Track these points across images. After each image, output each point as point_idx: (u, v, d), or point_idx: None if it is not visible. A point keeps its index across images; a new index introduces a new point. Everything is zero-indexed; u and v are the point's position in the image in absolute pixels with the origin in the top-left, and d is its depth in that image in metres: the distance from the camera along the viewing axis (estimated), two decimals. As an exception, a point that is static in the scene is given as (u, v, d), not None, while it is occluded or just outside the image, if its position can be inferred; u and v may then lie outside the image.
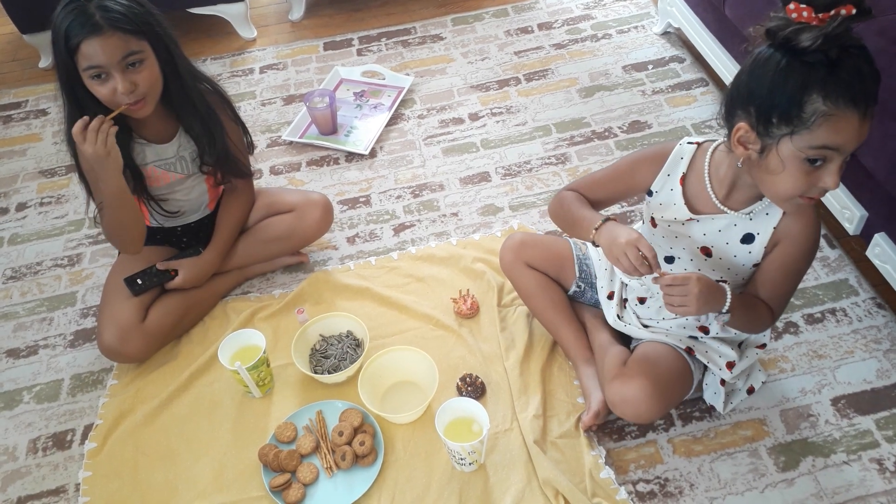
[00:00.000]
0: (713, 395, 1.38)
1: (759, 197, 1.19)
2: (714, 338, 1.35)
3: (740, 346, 1.37)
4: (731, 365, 1.32)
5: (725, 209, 1.21)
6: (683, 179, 1.25)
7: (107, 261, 1.83)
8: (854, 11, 0.94)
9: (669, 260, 1.32)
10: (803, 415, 1.40)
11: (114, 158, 1.37)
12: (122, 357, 1.55)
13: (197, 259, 1.62)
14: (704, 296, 1.13)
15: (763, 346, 1.38)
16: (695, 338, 1.36)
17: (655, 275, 1.16)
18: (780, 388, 1.45)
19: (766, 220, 1.20)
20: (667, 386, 1.29)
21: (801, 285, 1.60)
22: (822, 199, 1.65)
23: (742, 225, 1.21)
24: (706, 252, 1.26)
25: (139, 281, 1.57)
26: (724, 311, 1.17)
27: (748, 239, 1.22)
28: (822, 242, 1.69)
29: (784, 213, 1.18)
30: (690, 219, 1.25)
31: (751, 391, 1.41)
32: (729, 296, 1.16)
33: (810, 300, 1.59)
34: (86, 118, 1.34)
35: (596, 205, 1.36)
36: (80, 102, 1.40)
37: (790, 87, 1.00)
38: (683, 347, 1.34)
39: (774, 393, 1.44)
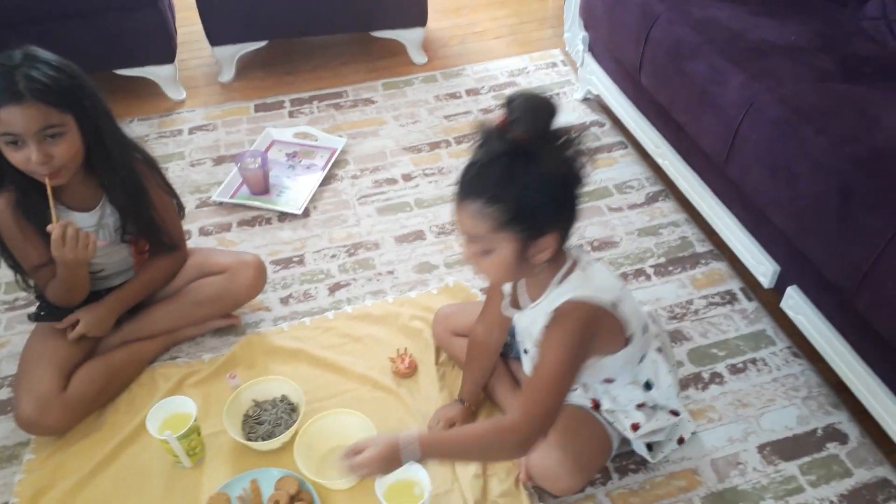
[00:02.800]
0: (639, 445, 1.41)
1: (544, 288, 1.20)
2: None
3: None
4: (635, 426, 1.34)
5: (530, 302, 1.24)
6: None
7: (24, 328, 1.73)
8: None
9: (527, 352, 1.33)
10: (732, 463, 1.45)
11: (91, 254, 1.40)
12: (41, 429, 1.46)
13: (95, 304, 1.55)
14: (374, 470, 1.13)
15: (675, 412, 1.37)
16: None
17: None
18: (709, 437, 1.49)
19: (545, 317, 1.18)
20: (585, 458, 1.33)
21: (723, 336, 1.69)
22: (738, 254, 1.77)
23: (541, 319, 1.18)
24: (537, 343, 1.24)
25: (41, 313, 1.54)
26: (417, 460, 1.14)
27: None
28: (741, 295, 1.78)
29: (553, 313, 1.16)
30: (515, 312, 1.29)
31: (681, 441, 1.45)
32: (418, 449, 1.12)
33: (732, 351, 1.66)
34: (58, 225, 1.34)
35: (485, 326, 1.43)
36: (1, 165, 1.36)
37: None
38: (590, 405, 1.36)
39: (704, 443, 1.48)
